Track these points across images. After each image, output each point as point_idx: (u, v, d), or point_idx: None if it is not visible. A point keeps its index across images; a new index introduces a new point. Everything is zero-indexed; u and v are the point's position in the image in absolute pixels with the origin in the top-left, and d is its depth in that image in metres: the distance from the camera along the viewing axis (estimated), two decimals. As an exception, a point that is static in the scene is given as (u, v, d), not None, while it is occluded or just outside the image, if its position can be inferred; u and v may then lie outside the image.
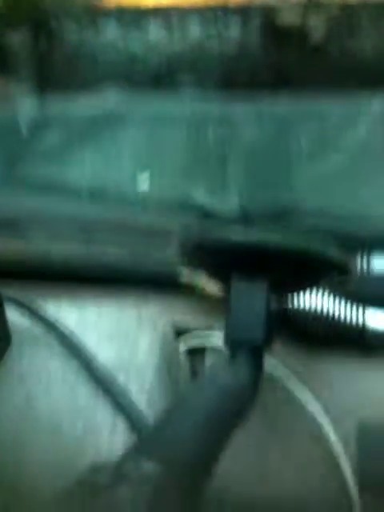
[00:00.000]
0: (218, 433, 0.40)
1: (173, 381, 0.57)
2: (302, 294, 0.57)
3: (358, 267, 0.59)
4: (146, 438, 0.42)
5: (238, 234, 0.53)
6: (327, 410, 0.53)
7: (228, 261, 0.50)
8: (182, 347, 0.60)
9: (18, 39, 1.21)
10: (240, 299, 0.51)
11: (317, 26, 1.19)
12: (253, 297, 0.52)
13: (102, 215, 0.68)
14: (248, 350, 0.49)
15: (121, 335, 0.59)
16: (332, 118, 1.05)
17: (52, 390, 0.55)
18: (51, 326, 0.59)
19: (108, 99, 1.11)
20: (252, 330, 0.50)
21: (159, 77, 1.21)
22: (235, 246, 0.51)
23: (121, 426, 0.52)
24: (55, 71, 1.22)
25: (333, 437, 0.52)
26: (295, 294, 0.56)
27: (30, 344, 0.60)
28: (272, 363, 0.53)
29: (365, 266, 0.60)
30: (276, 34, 1.20)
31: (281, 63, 1.18)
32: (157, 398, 0.55)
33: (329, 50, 1.17)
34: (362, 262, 0.61)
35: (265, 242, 0.50)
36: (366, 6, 1.20)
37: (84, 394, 0.54)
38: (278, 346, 0.52)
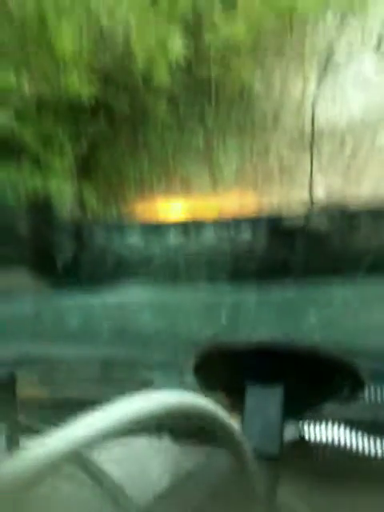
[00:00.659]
0: None
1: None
2: (319, 423, 0.56)
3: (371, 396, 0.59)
4: None
5: (251, 338, 0.54)
6: None
7: (243, 364, 0.51)
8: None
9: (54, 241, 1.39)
10: (255, 407, 0.50)
11: (319, 227, 1.33)
12: (267, 404, 0.51)
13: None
14: (263, 460, 0.47)
15: (132, 459, 0.58)
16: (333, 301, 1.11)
17: None
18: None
19: (127, 292, 1.22)
20: (267, 441, 0.48)
21: (176, 273, 1.33)
22: (249, 346, 0.52)
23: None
24: (83, 266, 1.37)
25: None
26: (311, 410, 0.55)
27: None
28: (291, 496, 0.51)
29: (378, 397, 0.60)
30: (282, 234, 1.35)
31: (286, 257, 1.29)
32: None
33: (329, 245, 1.30)
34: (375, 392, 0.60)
35: (278, 342, 0.51)
36: (363, 211, 1.37)
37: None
38: (299, 481, 0.50)
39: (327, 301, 1.05)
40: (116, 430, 0.37)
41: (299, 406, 0.55)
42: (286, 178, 8.16)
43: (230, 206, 7.23)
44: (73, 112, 5.81)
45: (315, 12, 4.84)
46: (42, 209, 4.01)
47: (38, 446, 0.35)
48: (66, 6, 3.21)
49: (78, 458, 0.59)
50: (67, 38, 3.46)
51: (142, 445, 0.67)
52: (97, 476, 0.59)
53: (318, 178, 7.79)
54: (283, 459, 0.50)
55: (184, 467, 0.60)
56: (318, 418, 0.58)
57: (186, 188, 7.88)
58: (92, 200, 4.90)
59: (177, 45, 4.22)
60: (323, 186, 7.88)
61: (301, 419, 0.56)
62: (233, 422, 0.45)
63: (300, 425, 0.56)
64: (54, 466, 0.35)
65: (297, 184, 8.12)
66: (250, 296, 1.14)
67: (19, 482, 0.34)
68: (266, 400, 0.52)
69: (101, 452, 0.62)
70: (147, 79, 5.05)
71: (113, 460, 0.60)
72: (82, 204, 5.21)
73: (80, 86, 4.00)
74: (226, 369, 0.50)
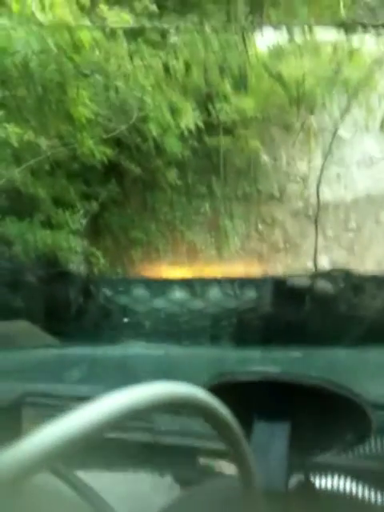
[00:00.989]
0: None
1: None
2: (326, 471, 0.55)
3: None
4: None
5: (260, 369, 0.54)
6: None
7: (251, 397, 0.50)
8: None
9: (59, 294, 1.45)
10: (261, 442, 0.49)
11: (324, 291, 1.37)
12: (274, 439, 0.49)
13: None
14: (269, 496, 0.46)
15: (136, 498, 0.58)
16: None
17: None
18: (80, 490, 0.59)
19: (130, 346, 1.25)
20: (273, 477, 0.47)
21: (180, 331, 1.36)
22: (257, 378, 0.51)
23: None
24: (88, 319, 1.41)
25: None
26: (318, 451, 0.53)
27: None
28: None
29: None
30: (287, 296, 1.39)
31: (291, 318, 1.31)
32: None
33: (334, 308, 1.33)
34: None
35: (285, 375, 0.50)
36: (369, 278, 1.42)
37: None
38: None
39: (329, 364, 1.04)
40: (112, 420, 0.38)
41: (306, 443, 0.53)
42: (291, 248, 8.24)
43: (235, 272, 7.26)
44: (86, 172, 5.99)
45: (322, 92, 5.05)
46: (50, 263, 4.05)
47: (37, 433, 0.34)
48: (84, 71, 3.38)
49: (60, 472, 0.60)
50: (84, 103, 3.61)
51: (146, 481, 0.67)
52: (81, 489, 0.59)
53: (322, 249, 7.87)
54: (288, 497, 0.49)
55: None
56: (325, 465, 0.57)
57: (193, 252, 7.95)
58: (99, 257, 4.97)
59: (188, 114, 4.40)
60: (327, 258, 7.95)
61: (308, 458, 0.54)
62: (231, 417, 0.45)
63: (306, 465, 0.55)
64: (51, 454, 0.34)
65: (301, 254, 8.19)
66: (253, 353, 1.14)
67: (19, 470, 0.33)
68: (273, 435, 0.51)
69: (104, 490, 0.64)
70: (159, 145, 5.23)
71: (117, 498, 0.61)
72: (89, 261, 5.28)
73: (94, 147, 4.14)
74: (234, 401, 0.49)
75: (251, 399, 0.53)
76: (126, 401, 0.38)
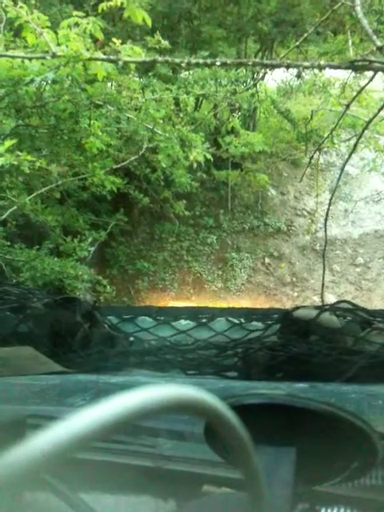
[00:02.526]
0: None
1: None
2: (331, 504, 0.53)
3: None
4: None
5: (266, 392, 0.53)
6: None
7: (255, 421, 0.48)
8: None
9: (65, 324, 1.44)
10: (266, 468, 0.47)
11: (330, 323, 1.36)
12: (279, 465, 0.48)
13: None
14: None
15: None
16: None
17: None
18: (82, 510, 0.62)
19: (134, 377, 1.25)
20: (278, 503, 0.46)
21: (185, 361, 1.33)
22: (263, 398, 0.50)
23: None
24: (92, 349, 1.39)
25: None
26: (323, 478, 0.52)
27: None
28: None
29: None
30: (294, 330, 1.37)
31: (298, 353, 1.28)
32: None
33: (340, 341, 1.30)
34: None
35: (293, 398, 0.49)
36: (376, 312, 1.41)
37: None
38: None
39: (335, 397, 1.03)
40: (119, 422, 0.37)
41: (312, 470, 0.51)
42: (298, 282, 8.22)
43: (240, 305, 7.23)
44: (95, 202, 6.05)
45: (330, 129, 5.13)
46: (57, 290, 4.07)
47: (49, 429, 0.35)
48: (96, 102, 3.44)
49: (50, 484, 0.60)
50: (95, 134, 3.67)
51: (149, 506, 0.67)
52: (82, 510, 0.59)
53: (329, 284, 7.84)
54: None
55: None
56: (330, 495, 0.55)
57: (198, 284, 7.94)
58: (106, 286, 4.98)
59: (198, 148, 4.47)
60: (335, 293, 7.90)
61: (314, 486, 0.53)
62: (238, 422, 0.45)
63: (312, 493, 0.54)
64: (55, 454, 0.35)
65: (308, 288, 8.16)
66: (258, 384, 1.13)
67: (27, 467, 0.34)
68: (278, 461, 0.49)
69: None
70: (168, 176, 5.29)
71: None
72: (95, 289, 5.29)
73: (105, 178, 4.18)
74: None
75: (256, 423, 0.51)
76: (134, 402, 0.38)
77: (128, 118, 3.73)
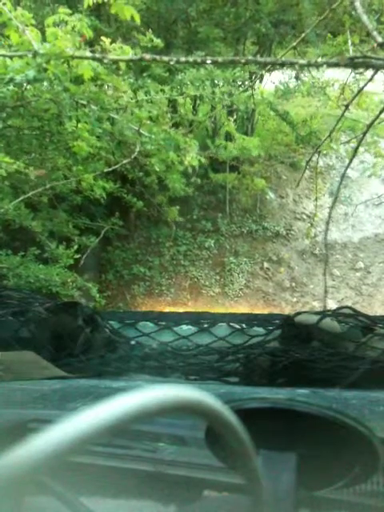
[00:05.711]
0: None
1: None
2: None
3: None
4: None
5: (268, 396, 0.54)
6: None
7: (257, 425, 0.49)
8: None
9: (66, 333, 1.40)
10: (267, 473, 0.48)
11: (332, 329, 1.31)
12: (281, 470, 0.49)
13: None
14: None
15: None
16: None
17: None
18: None
19: (135, 382, 1.22)
20: (280, 508, 0.48)
21: (187, 366, 1.31)
22: (265, 402, 0.52)
23: None
24: (93, 354, 1.37)
25: None
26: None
27: None
28: None
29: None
30: (295, 335, 1.33)
31: (299, 359, 1.26)
32: None
33: (341, 347, 1.28)
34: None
35: (295, 402, 0.50)
36: (377, 317, 1.38)
37: None
38: None
39: (336, 402, 1.02)
40: (117, 424, 0.38)
41: (313, 475, 0.54)
42: (297, 287, 8.12)
43: (238, 310, 7.13)
44: (89, 206, 5.94)
45: (329, 131, 5.02)
46: (54, 295, 3.97)
47: (49, 430, 0.36)
48: (80, 102, 3.28)
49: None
50: (82, 137, 3.53)
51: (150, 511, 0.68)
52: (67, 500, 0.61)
53: (329, 288, 7.75)
54: None
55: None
56: (331, 500, 0.55)
57: (196, 289, 7.85)
58: (96, 293, 4.84)
59: (193, 150, 4.33)
60: (335, 298, 7.82)
61: (315, 490, 0.56)
62: (237, 421, 0.45)
63: (314, 498, 0.54)
64: (58, 456, 0.35)
65: (308, 293, 8.07)
66: (259, 389, 1.12)
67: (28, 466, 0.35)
68: (280, 465, 0.51)
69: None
70: (162, 180, 5.17)
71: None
72: (88, 295, 5.16)
73: (93, 182, 4.05)
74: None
75: (258, 427, 0.51)
76: (135, 403, 0.39)
77: (112, 118, 3.60)
